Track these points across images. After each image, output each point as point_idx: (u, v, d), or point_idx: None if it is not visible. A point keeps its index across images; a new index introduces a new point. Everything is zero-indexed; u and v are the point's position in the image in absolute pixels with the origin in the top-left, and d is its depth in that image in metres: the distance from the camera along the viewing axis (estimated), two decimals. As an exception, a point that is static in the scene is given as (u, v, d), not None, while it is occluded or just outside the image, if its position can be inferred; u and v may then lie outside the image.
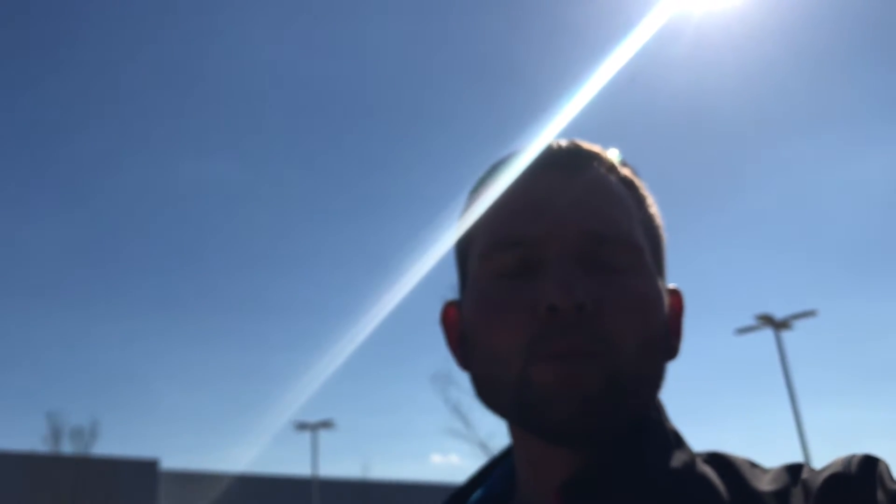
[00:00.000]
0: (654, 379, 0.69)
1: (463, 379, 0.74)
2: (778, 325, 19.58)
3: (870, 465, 0.61)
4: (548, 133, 0.77)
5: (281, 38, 38.42)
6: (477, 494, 0.78)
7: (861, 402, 35.89)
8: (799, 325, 19.73)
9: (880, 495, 0.59)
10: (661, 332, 0.69)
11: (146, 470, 28.92)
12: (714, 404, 37.20)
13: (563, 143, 0.74)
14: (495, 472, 0.79)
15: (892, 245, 34.25)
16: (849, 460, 0.62)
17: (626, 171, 0.75)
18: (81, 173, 38.43)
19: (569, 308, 0.63)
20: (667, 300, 0.72)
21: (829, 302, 36.61)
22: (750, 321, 20.03)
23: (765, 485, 0.64)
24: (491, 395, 0.70)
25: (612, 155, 0.75)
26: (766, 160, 34.47)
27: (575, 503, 0.64)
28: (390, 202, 40.73)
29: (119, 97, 37.65)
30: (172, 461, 30.29)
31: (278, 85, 39.12)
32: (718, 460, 0.68)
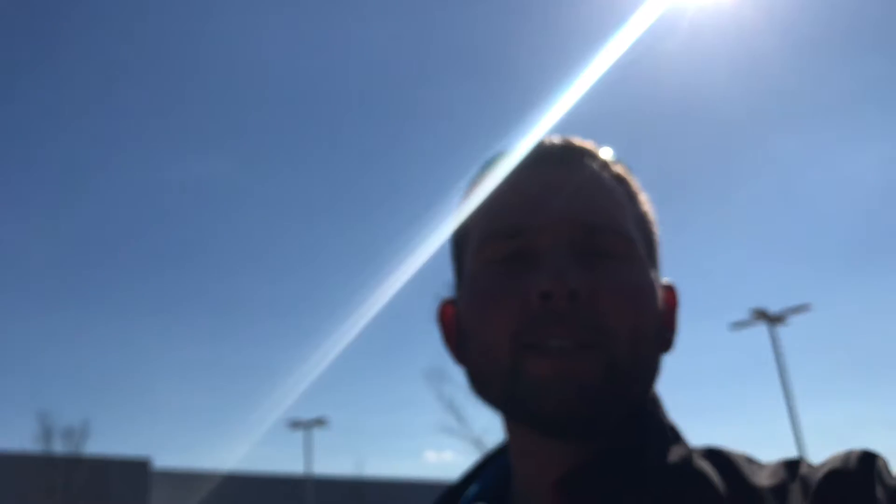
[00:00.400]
0: (650, 369, 0.69)
1: (457, 375, 0.74)
2: (772, 319, 19.68)
3: (868, 460, 0.61)
4: (541, 128, 0.79)
5: (274, 35, 38.39)
6: (472, 490, 0.77)
7: (856, 395, 36.08)
8: (793, 319, 19.86)
9: (879, 491, 0.59)
10: (655, 323, 0.69)
11: (138, 469, 28.90)
12: (709, 399, 37.39)
13: (557, 139, 0.75)
14: (490, 469, 0.79)
15: (885, 238, 34.45)
16: (847, 456, 0.62)
17: (618, 169, 0.76)
18: (73, 172, 38.36)
19: (562, 294, 0.63)
20: (661, 294, 0.72)
21: (823, 296, 36.83)
22: (744, 316, 20.14)
23: (763, 480, 0.64)
24: (485, 386, 0.70)
25: (605, 153, 0.76)
26: (759, 155, 34.63)
27: (573, 497, 0.64)
28: (382, 199, 40.77)
29: (118, 98, 37.56)
30: (164, 460, 30.32)
31: (271, 82, 39.09)
32: (716, 455, 0.68)
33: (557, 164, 0.72)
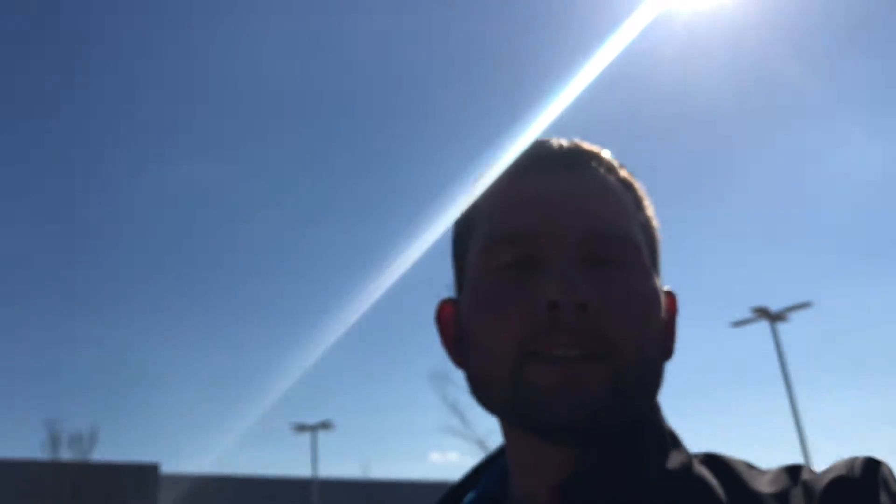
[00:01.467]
0: (655, 379, 0.69)
1: (460, 377, 0.74)
2: (774, 317, 19.59)
3: (873, 467, 0.61)
4: (538, 127, 0.78)
5: (274, 37, 38.38)
6: (470, 496, 0.77)
7: (858, 392, 35.95)
8: (795, 316, 19.77)
9: (884, 499, 0.59)
10: (660, 333, 0.69)
11: (146, 475, 28.86)
12: (710, 398, 37.27)
13: (564, 142, 0.75)
14: (487, 473, 0.79)
15: (887, 235, 34.37)
16: (851, 463, 0.62)
17: (624, 173, 0.76)
18: (77, 176, 38.35)
19: (571, 305, 0.63)
20: (663, 301, 0.72)
21: (824, 293, 36.71)
22: (745, 314, 20.06)
23: (763, 486, 0.64)
24: (487, 392, 0.70)
25: (611, 156, 0.76)
26: (758, 152, 34.53)
27: (571, 503, 0.64)
28: (385, 202, 40.72)
29: (119, 102, 37.59)
30: (172, 465, 30.29)
31: (270, 85, 39.09)
32: (715, 461, 0.68)
33: (565, 168, 0.72)
